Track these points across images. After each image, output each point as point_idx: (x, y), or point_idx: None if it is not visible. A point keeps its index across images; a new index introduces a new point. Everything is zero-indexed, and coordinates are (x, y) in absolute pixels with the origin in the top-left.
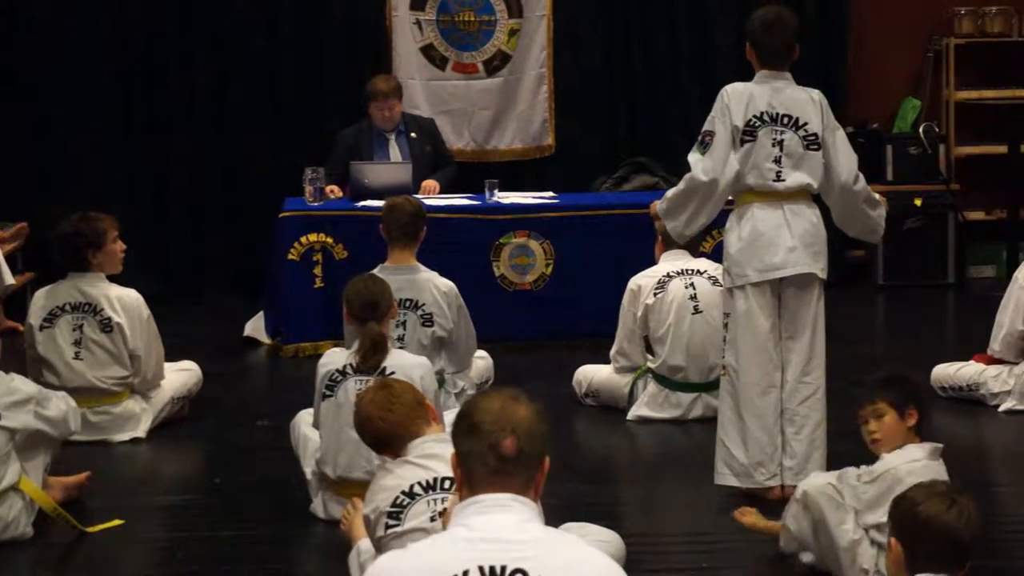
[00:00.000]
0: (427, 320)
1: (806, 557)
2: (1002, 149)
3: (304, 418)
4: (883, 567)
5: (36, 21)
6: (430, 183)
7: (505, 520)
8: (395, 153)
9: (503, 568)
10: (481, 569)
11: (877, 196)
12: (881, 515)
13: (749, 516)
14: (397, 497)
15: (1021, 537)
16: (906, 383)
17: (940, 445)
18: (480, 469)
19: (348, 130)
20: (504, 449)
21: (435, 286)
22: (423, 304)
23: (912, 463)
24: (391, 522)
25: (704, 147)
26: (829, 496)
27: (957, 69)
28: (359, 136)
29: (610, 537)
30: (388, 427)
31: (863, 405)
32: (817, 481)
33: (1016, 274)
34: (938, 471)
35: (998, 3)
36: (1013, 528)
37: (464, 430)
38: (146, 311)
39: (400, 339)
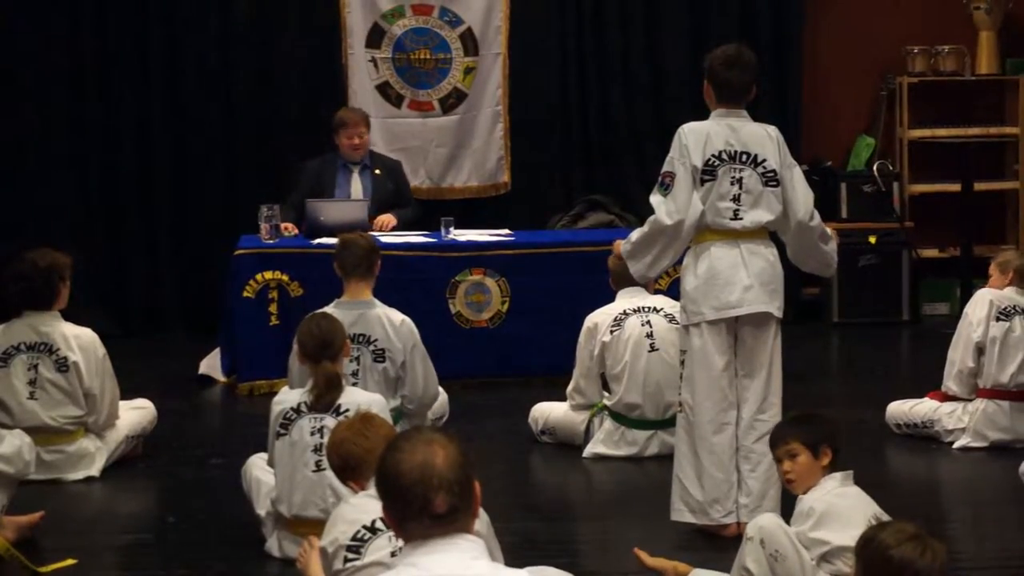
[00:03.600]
0: (378, 356)
1: None
2: (955, 187)
3: (256, 462)
4: None
5: None
6: (386, 217)
7: (453, 558)
8: (357, 187)
9: None
10: None
11: (828, 230)
12: (821, 548)
13: (647, 557)
14: (358, 531)
15: (973, 574)
16: (820, 422)
17: (849, 471)
18: (416, 527)
19: (313, 161)
20: (436, 509)
21: (389, 320)
22: (375, 339)
23: (829, 493)
24: (351, 555)
25: (665, 189)
26: (780, 527)
27: (910, 107)
28: (323, 168)
29: None
30: (359, 451)
31: (775, 446)
32: (764, 518)
33: (965, 310)
34: (855, 494)
35: (950, 42)
36: (966, 565)
37: (391, 494)
38: (102, 350)
39: (354, 374)
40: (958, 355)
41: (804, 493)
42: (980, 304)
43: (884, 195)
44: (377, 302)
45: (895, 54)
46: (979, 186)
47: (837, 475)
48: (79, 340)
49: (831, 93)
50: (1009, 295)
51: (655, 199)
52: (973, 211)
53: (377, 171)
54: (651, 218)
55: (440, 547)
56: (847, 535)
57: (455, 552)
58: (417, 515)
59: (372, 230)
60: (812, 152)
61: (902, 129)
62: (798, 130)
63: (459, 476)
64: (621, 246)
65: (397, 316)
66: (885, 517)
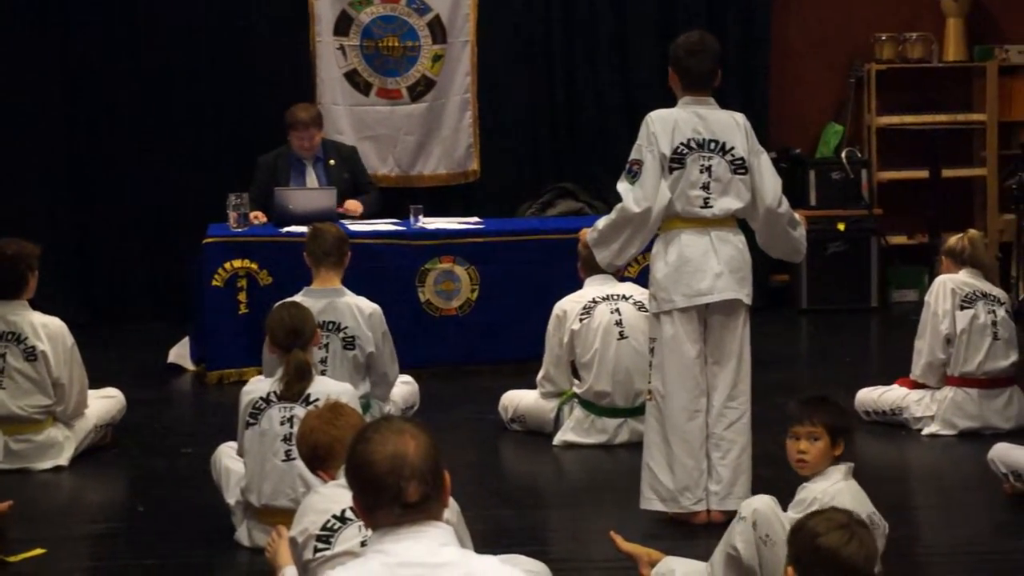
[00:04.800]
0: (348, 343)
1: None
2: (923, 174)
3: (225, 451)
4: None
5: None
6: (353, 203)
7: (422, 545)
8: (312, 180)
9: None
10: None
11: (797, 216)
12: None
13: (622, 541)
14: (328, 521)
15: (941, 560)
16: (844, 412)
17: (851, 464)
18: (386, 516)
19: (268, 156)
20: (408, 498)
21: (358, 308)
22: (345, 327)
23: (834, 485)
24: (320, 545)
25: (633, 176)
26: (775, 512)
27: (879, 94)
28: (277, 162)
29: (539, 568)
30: (327, 439)
31: (800, 421)
32: (760, 500)
33: (927, 299)
34: (856, 491)
35: (918, 29)
36: (934, 551)
37: (362, 484)
38: (70, 339)
39: (323, 361)
40: (925, 346)
41: (809, 478)
42: (943, 294)
43: (852, 182)
44: (346, 290)
45: (863, 41)
46: (947, 173)
47: (843, 467)
48: (47, 329)
49: (799, 80)
50: (967, 280)
51: (622, 187)
52: (941, 198)
53: (332, 161)
54: (618, 206)
55: (409, 534)
56: None
57: (424, 539)
58: (389, 504)
59: (340, 215)
60: (780, 139)
61: (870, 116)
62: (766, 117)
63: (430, 465)
64: (588, 234)
65: (367, 304)
66: (878, 517)
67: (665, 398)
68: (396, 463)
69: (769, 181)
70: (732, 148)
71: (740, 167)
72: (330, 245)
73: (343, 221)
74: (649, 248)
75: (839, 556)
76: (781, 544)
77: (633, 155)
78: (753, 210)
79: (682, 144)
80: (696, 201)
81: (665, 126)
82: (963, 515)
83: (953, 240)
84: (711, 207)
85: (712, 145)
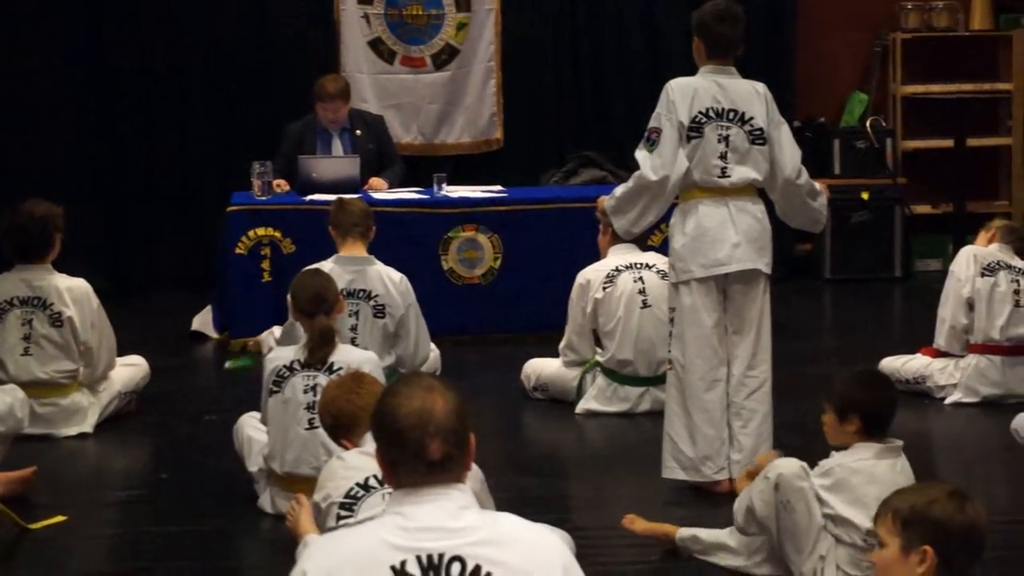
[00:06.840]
0: (379, 311)
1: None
2: (948, 143)
3: (248, 421)
4: (838, 558)
5: None
6: (378, 181)
7: (442, 508)
8: (338, 150)
9: (440, 556)
10: (419, 559)
11: (818, 186)
12: (827, 509)
13: (638, 523)
14: (351, 488)
15: None
16: (861, 390)
17: (898, 443)
18: (409, 475)
19: (295, 124)
20: (431, 455)
21: (388, 277)
22: (376, 295)
23: (860, 461)
24: (344, 513)
25: (652, 144)
26: (799, 479)
27: (904, 63)
28: (304, 131)
29: (561, 537)
30: (351, 408)
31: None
32: (788, 464)
33: (951, 267)
34: (883, 476)
35: None
36: None
37: (386, 439)
38: (95, 300)
39: (353, 329)
40: (948, 312)
41: (838, 453)
42: (964, 260)
43: (877, 151)
44: (376, 259)
45: (888, 10)
46: (972, 142)
47: (874, 446)
48: (72, 293)
49: (825, 49)
50: (992, 251)
51: (640, 154)
52: (966, 167)
53: (358, 132)
54: (636, 173)
55: (429, 496)
56: (853, 511)
57: (443, 501)
58: (410, 460)
59: (363, 189)
60: (805, 108)
61: (895, 85)
62: (792, 86)
63: (456, 425)
64: (605, 202)
65: (396, 274)
66: None
67: (684, 368)
68: (422, 419)
69: (788, 152)
70: (751, 118)
71: (759, 137)
72: (357, 217)
73: (366, 190)
74: (670, 218)
75: (966, 521)
76: (801, 512)
77: (652, 123)
78: (772, 181)
79: (700, 113)
80: (714, 170)
81: (684, 94)
82: (987, 484)
83: (1005, 223)
84: (729, 176)
85: (731, 114)
